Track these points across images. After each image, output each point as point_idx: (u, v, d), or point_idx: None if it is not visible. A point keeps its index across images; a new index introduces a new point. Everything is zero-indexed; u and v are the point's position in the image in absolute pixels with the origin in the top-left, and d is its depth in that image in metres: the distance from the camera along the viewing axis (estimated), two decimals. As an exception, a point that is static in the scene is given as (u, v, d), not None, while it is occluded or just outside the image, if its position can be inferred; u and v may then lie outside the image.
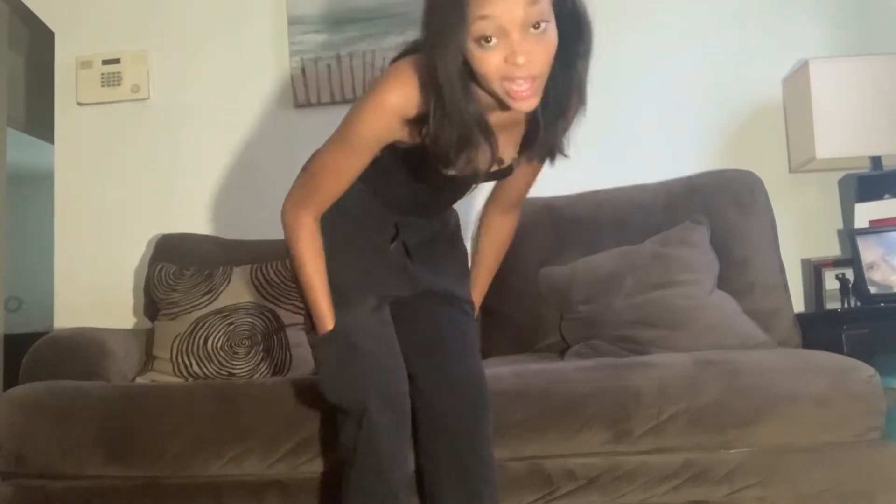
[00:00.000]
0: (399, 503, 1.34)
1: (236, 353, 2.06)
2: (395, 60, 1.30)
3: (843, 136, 2.16)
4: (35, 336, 2.08)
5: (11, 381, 2.11)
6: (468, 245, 1.67)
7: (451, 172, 1.28)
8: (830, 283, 2.27)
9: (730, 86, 2.43)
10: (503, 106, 1.17)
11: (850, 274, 2.19)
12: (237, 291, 2.13)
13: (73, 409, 1.66)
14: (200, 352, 2.06)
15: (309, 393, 1.57)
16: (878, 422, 1.52)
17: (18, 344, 2.52)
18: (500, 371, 1.61)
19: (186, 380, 2.04)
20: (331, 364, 1.36)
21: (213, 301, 2.12)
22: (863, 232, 2.16)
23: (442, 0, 1.12)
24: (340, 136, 1.31)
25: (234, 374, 2.04)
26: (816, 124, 2.16)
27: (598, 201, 2.20)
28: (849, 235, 2.21)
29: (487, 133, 1.21)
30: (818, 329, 2.02)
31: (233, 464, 1.59)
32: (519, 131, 1.32)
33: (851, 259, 2.17)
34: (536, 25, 1.10)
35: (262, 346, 2.06)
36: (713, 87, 2.44)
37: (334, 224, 1.38)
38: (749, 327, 1.89)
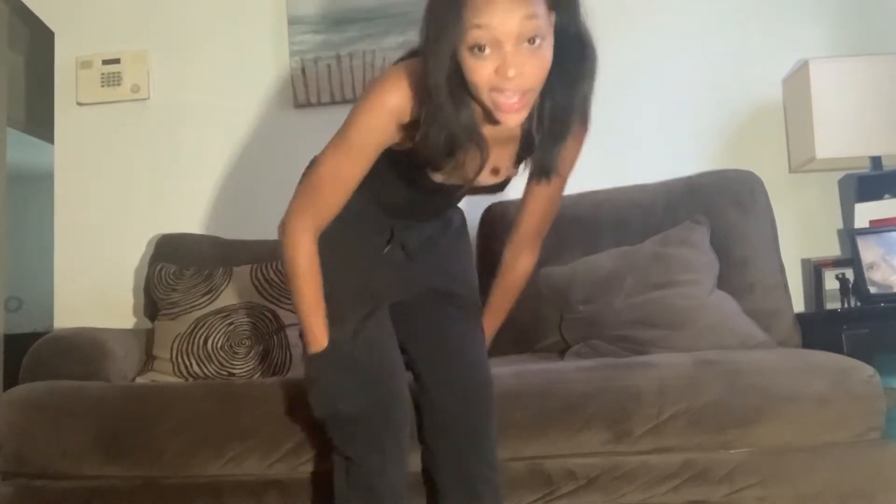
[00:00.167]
0: None
1: (236, 353, 2.06)
2: (399, 61, 1.30)
3: (843, 136, 2.16)
4: (35, 336, 2.08)
5: (11, 381, 2.11)
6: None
7: (439, 179, 1.28)
8: (830, 283, 2.27)
9: (730, 86, 2.43)
10: (492, 119, 1.17)
11: (850, 274, 2.19)
12: (237, 291, 2.13)
13: (73, 409, 1.66)
14: (200, 352, 2.06)
15: (309, 393, 1.57)
16: (878, 422, 1.52)
17: (18, 344, 2.52)
18: (500, 371, 1.60)
19: (186, 380, 2.04)
20: (321, 380, 1.36)
21: (213, 301, 2.12)
22: (863, 232, 2.16)
23: (440, 5, 1.12)
24: (339, 142, 1.30)
25: (234, 374, 2.05)
26: (816, 124, 2.16)
27: (598, 201, 2.20)
28: (849, 235, 2.22)
29: (477, 139, 1.20)
30: (818, 329, 2.02)
31: (233, 464, 1.59)
32: (514, 146, 1.31)
33: (851, 259, 2.17)
34: (532, 40, 1.10)
35: (262, 346, 2.06)
36: (713, 87, 2.44)
37: (329, 231, 1.36)
38: (749, 327, 1.89)
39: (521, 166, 1.35)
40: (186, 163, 2.59)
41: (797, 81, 2.29)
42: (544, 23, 1.10)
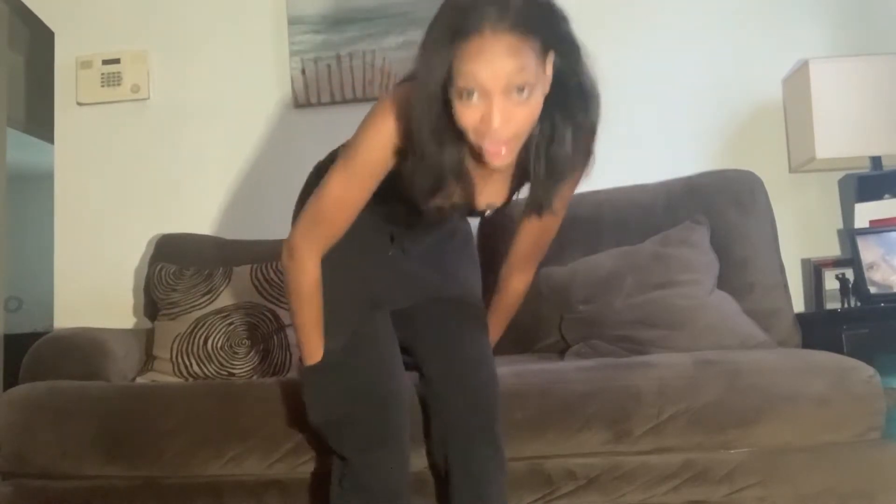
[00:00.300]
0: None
1: (236, 353, 2.06)
2: (398, 85, 1.29)
3: (843, 136, 2.16)
4: (35, 336, 2.08)
5: (11, 381, 2.11)
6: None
7: (431, 203, 1.28)
8: (830, 283, 2.27)
9: (730, 86, 2.43)
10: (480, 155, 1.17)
11: (850, 274, 2.19)
12: (237, 291, 2.13)
13: (73, 409, 1.66)
14: (200, 352, 2.06)
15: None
16: (878, 422, 1.52)
17: (18, 344, 2.52)
18: (501, 371, 1.60)
19: (186, 380, 2.04)
20: (314, 390, 1.39)
21: (213, 301, 2.12)
22: (863, 232, 2.16)
23: (432, 46, 1.11)
24: (343, 166, 1.30)
25: (234, 374, 2.05)
26: (816, 124, 2.17)
27: (598, 201, 2.20)
28: (849, 235, 2.22)
29: (461, 177, 1.21)
30: (818, 329, 2.02)
31: (233, 464, 1.59)
32: (509, 175, 1.31)
33: (851, 259, 2.17)
34: (520, 90, 1.09)
35: (262, 346, 2.06)
36: (713, 87, 2.44)
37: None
38: (749, 327, 1.89)
39: (516, 195, 1.36)
40: (186, 163, 2.59)
41: (797, 81, 2.29)
42: (534, 73, 1.09)
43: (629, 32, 2.48)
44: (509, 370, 1.64)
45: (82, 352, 1.96)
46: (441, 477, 1.43)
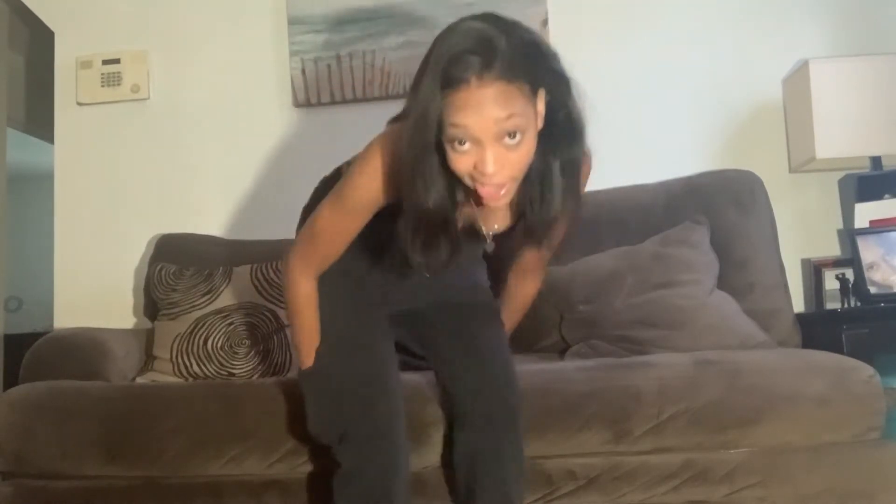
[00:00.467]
0: None
1: (236, 353, 2.06)
2: (393, 120, 1.29)
3: (843, 136, 2.16)
4: (35, 336, 2.08)
5: (11, 381, 2.11)
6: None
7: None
8: (830, 283, 2.27)
9: (730, 86, 2.43)
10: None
11: (850, 274, 2.19)
12: (237, 291, 2.13)
13: (73, 409, 1.66)
14: (200, 352, 2.06)
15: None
16: (878, 422, 1.52)
17: (18, 344, 2.52)
18: (500, 371, 1.60)
19: (186, 380, 2.04)
20: (311, 400, 1.41)
21: (213, 301, 2.12)
22: (863, 232, 2.16)
23: (422, 96, 1.10)
24: (336, 198, 1.31)
25: (234, 374, 2.05)
26: (816, 124, 2.16)
27: (598, 201, 2.19)
28: (849, 235, 2.22)
29: (451, 232, 1.21)
30: (818, 329, 2.02)
31: (233, 464, 1.59)
32: (509, 208, 1.30)
33: (851, 259, 2.17)
34: (512, 135, 1.09)
35: (262, 346, 2.06)
36: (713, 87, 2.44)
37: None
38: (749, 327, 1.89)
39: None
40: (186, 163, 2.59)
41: (797, 81, 2.29)
42: (524, 117, 1.09)
43: (629, 32, 2.48)
44: (509, 370, 1.64)
45: (82, 352, 1.96)
46: (461, 476, 1.43)
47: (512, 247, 1.38)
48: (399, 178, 1.18)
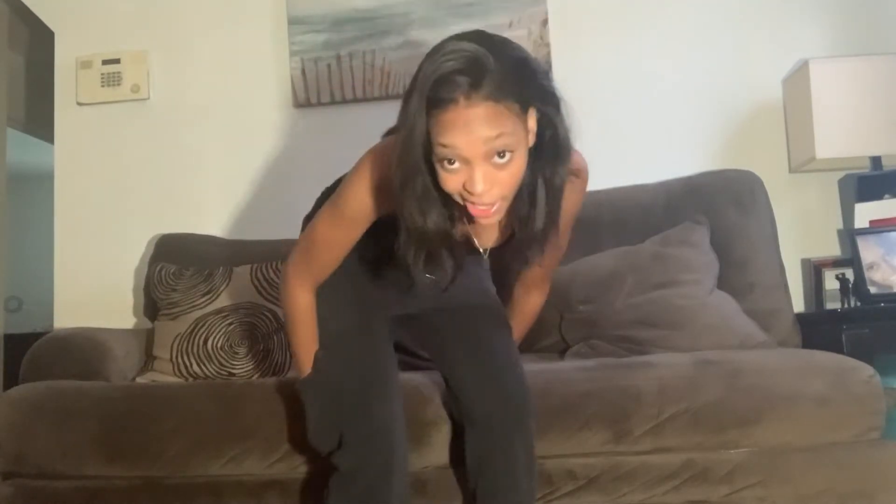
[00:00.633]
0: None
1: (236, 353, 2.06)
2: (388, 133, 1.30)
3: (842, 136, 2.16)
4: (35, 336, 2.08)
5: (11, 381, 2.11)
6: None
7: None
8: (830, 283, 2.27)
9: (730, 86, 2.43)
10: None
11: (850, 274, 2.19)
12: (237, 291, 2.13)
13: (73, 409, 1.66)
14: (200, 352, 2.06)
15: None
16: (878, 422, 1.52)
17: (18, 344, 2.52)
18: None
19: (186, 380, 2.04)
20: (311, 407, 1.41)
21: (213, 301, 2.12)
22: (863, 232, 2.16)
23: (411, 115, 1.10)
24: (331, 210, 1.32)
25: (234, 374, 2.05)
26: (816, 124, 2.16)
27: (598, 201, 2.20)
28: (849, 235, 2.22)
29: (448, 244, 1.21)
30: (818, 329, 2.02)
31: (233, 464, 1.59)
32: (501, 222, 1.30)
33: (851, 259, 2.17)
34: (501, 154, 1.08)
35: (261, 346, 2.06)
36: (713, 87, 2.44)
37: None
38: (749, 327, 1.89)
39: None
40: (186, 163, 2.59)
41: (797, 81, 2.29)
42: (514, 136, 1.08)
43: (629, 32, 2.48)
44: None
45: (82, 352, 1.96)
46: (472, 477, 1.43)
47: (507, 261, 1.38)
48: (391, 193, 1.18)
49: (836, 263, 2.27)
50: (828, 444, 1.52)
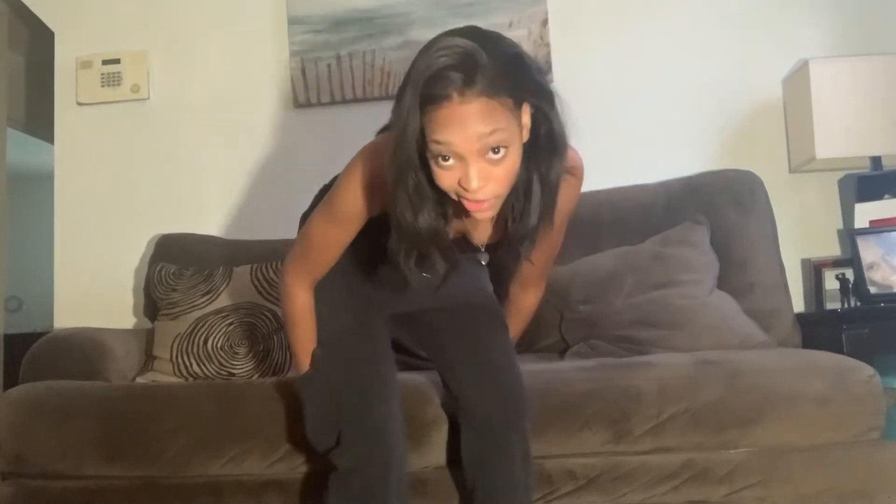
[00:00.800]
0: None
1: (236, 353, 2.06)
2: (382, 130, 1.29)
3: (842, 136, 2.16)
4: (35, 336, 2.08)
5: (11, 381, 2.11)
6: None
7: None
8: (830, 283, 2.27)
9: (730, 86, 2.43)
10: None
11: (850, 274, 2.19)
12: (237, 291, 2.13)
13: (73, 409, 1.66)
14: (200, 352, 2.06)
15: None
16: (878, 422, 1.52)
17: (18, 344, 2.51)
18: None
19: (186, 380, 2.04)
20: (309, 405, 1.41)
21: (213, 301, 2.12)
22: (863, 232, 2.16)
23: (405, 112, 1.09)
24: (325, 209, 1.32)
25: (234, 374, 2.05)
26: (816, 124, 2.16)
27: (598, 201, 2.20)
28: (849, 235, 2.22)
29: (441, 243, 1.21)
30: (818, 329, 2.02)
31: (233, 464, 1.59)
32: (496, 219, 1.30)
33: (851, 259, 2.17)
34: (496, 150, 1.08)
35: (261, 346, 2.06)
36: (713, 88, 2.44)
37: None
38: (749, 327, 1.89)
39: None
40: (186, 163, 2.59)
41: (797, 81, 2.29)
42: (508, 132, 1.08)
43: (629, 32, 2.48)
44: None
45: (82, 352, 1.96)
46: (469, 477, 1.43)
47: (504, 258, 1.38)
48: (384, 191, 1.18)
49: (836, 263, 2.27)
50: (828, 444, 1.52)
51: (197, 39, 2.62)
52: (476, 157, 1.08)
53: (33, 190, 4.14)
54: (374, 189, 1.23)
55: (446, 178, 1.11)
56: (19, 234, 4.09)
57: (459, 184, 1.10)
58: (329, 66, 2.53)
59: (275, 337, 2.06)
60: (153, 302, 2.24)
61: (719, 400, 1.52)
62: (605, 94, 2.44)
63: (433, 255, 1.22)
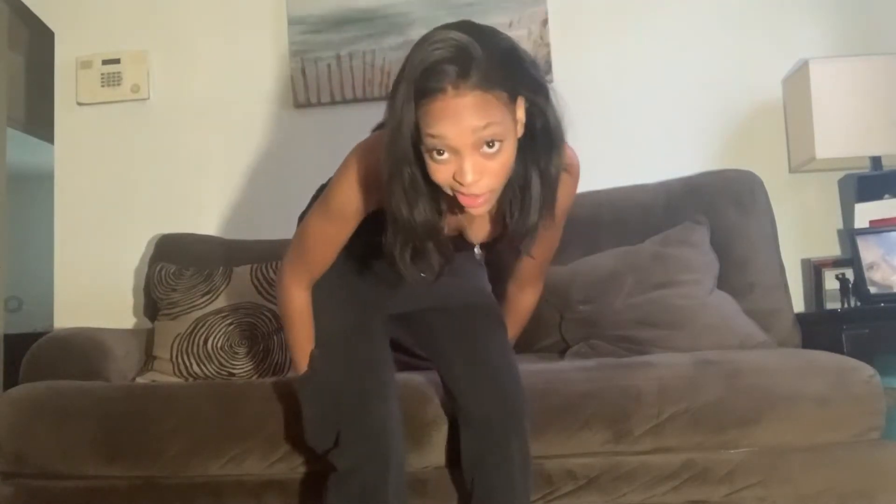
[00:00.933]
0: None
1: (236, 353, 2.06)
2: (377, 128, 1.29)
3: (842, 136, 2.16)
4: (35, 336, 2.08)
5: (11, 381, 2.11)
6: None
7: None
8: (830, 283, 2.27)
9: (730, 86, 2.43)
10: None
11: (850, 274, 2.19)
12: (237, 291, 2.13)
13: (73, 409, 1.66)
14: (200, 352, 2.06)
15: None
16: (878, 422, 1.52)
17: (18, 344, 2.51)
18: (500, 371, 1.60)
19: (186, 380, 2.04)
20: (307, 406, 1.41)
21: (213, 301, 2.12)
22: (863, 232, 2.16)
23: (399, 106, 1.09)
24: (321, 207, 1.32)
25: (234, 374, 2.05)
26: (816, 124, 2.16)
27: (598, 201, 2.20)
28: (849, 235, 2.22)
29: (436, 237, 1.20)
30: (818, 329, 2.02)
31: (233, 464, 1.59)
32: (492, 215, 1.30)
33: (851, 259, 2.17)
34: (490, 144, 1.08)
35: (261, 346, 2.06)
36: (713, 88, 2.44)
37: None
38: (749, 327, 1.89)
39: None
40: (186, 163, 2.59)
41: (797, 81, 2.29)
42: (503, 125, 1.08)
43: (629, 32, 2.48)
44: (509, 370, 1.64)
45: (82, 352, 1.96)
46: (467, 477, 1.43)
47: (501, 255, 1.38)
48: (379, 187, 1.18)
49: (836, 263, 2.27)
50: (828, 444, 1.52)
51: (197, 39, 2.62)
52: (470, 151, 1.08)
53: (33, 190, 4.15)
54: (370, 185, 1.23)
55: (441, 172, 1.11)
56: (19, 234, 4.09)
57: (454, 178, 1.10)
58: (329, 66, 2.53)
59: (275, 337, 2.06)
60: (153, 302, 2.24)
61: (719, 400, 1.52)
62: (605, 94, 2.45)
63: (428, 250, 1.22)
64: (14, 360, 2.27)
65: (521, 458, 1.40)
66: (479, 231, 1.33)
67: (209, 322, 2.09)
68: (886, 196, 2.19)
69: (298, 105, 2.55)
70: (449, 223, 1.27)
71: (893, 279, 2.09)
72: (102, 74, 2.60)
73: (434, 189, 1.16)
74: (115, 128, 2.63)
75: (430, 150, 1.09)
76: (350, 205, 1.27)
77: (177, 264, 2.24)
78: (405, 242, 1.20)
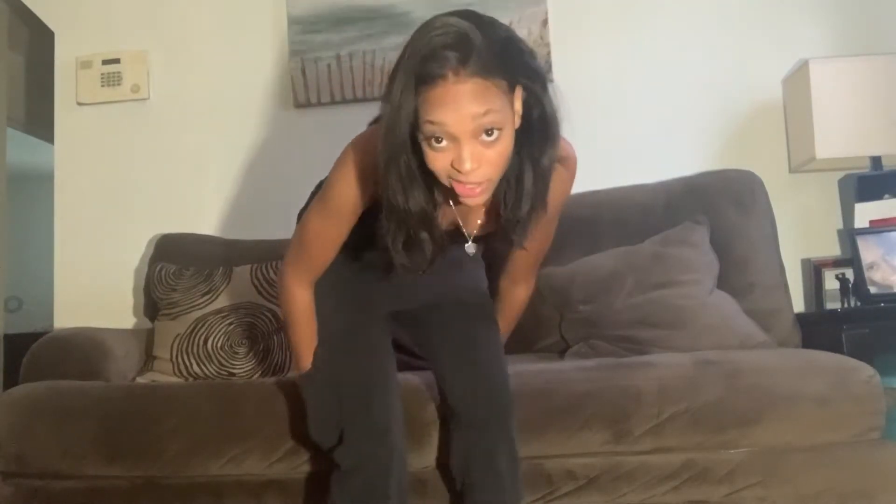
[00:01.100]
0: None
1: (236, 353, 2.06)
2: (374, 121, 1.29)
3: (842, 136, 2.16)
4: (35, 336, 2.08)
5: (11, 381, 2.11)
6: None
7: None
8: (830, 283, 2.27)
9: (730, 86, 2.43)
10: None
11: (850, 274, 2.19)
12: (237, 291, 2.13)
13: (73, 409, 1.66)
14: (200, 352, 2.06)
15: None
16: (878, 422, 1.52)
17: (18, 344, 2.51)
18: (500, 371, 1.60)
19: (186, 380, 2.04)
20: (311, 403, 1.42)
21: (212, 301, 2.12)
22: (863, 232, 2.16)
23: (398, 93, 1.08)
24: (320, 205, 1.32)
25: (234, 374, 2.05)
26: (816, 124, 2.16)
27: (598, 201, 2.20)
28: (849, 235, 2.22)
29: (431, 227, 1.20)
30: (818, 329, 2.02)
31: (233, 464, 1.59)
32: (488, 207, 1.30)
33: (851, 259, 2.17)
34: (489, 132, 1.07)
35: (261, 346, 2.06)
36: (713, 87, 2.44)
37: None
38: (749, 327, 1.89)
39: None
40: (186, 163, 2.59)
41: (797, 81, 2.29)
42: (501, 114, 1.08)
43: (629, 32, 2.48)
44: (509, 370, 1.64)
45: (82, 352, 1.96)
46: (458, 476, 1.43)
47: (496, 249, 1.37)
48: (376, 178, 1.18)
49: (836, 263, 2.27)
50: (828, 444, 1.52)
51: (197, 39, 2.62)
52: (469, 138, 1.07)
53: (33, 190, 4.14)
54: (366, 178, 1.22)
55: (439, 160, 1.10)
56: (19, 234, 4.09)
57: (452, 166, 1.09)
58: (329, 66, 2.53)
59: (275, 337, 2.06)
60: (153, 302, 2.24)
61: (719, 400, 1.52)
62: (605, 94, 2.45)
63: (422, 239, 1.21)
64: (14, 360, 2.27)
65: (509, 458, 1.40)
66: (473, 224, 1.32)
67: (209, 322, 2.09)
68: (886, 196, 2.19)
69: (298, 105, 2.55)
70: (444, 215, 1.26)
71: (893, 279, 2.09)
72: (102, 74, 2.60)
73: (430, 179, 1.15)
74: (115, 128, 2.63)
75: (428, 138, 1.09)
76: (348, 199, 1.26)
77: (177, 264, 2.24)
78: (398, 230, 1.20)
